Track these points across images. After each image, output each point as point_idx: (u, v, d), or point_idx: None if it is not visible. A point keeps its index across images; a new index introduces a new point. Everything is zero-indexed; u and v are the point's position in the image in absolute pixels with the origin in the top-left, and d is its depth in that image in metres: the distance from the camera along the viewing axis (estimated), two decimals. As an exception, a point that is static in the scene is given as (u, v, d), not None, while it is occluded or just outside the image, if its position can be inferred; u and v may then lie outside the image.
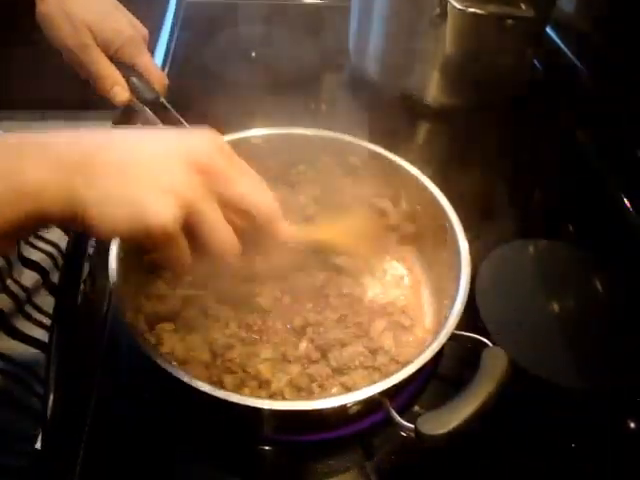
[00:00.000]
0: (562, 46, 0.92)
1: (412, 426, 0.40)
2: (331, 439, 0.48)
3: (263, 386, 0.48)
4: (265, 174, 0.42)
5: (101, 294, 0.57)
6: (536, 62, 0.95)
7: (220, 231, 0.37)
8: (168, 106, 0.57)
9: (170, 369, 0.41)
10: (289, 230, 0.44)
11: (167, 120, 0.56)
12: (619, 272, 0.64)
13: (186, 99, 0.64)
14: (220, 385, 0.47)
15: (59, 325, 0.55)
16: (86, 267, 0.61)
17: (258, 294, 0.54)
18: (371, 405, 0.44)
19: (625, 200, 0.73)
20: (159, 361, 0.42)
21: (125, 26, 0.59)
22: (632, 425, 0.52)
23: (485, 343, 0.47)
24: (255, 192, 0.39)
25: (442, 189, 0.56)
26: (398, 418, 0.42)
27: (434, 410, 0.41)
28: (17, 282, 0.65)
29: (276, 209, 0.41)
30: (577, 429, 0.51)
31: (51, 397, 0.51)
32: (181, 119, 0.60)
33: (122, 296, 0.46)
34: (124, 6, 0.62)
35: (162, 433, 0.49)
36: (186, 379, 0.41)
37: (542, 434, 0.51)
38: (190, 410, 0.49)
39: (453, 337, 0.46)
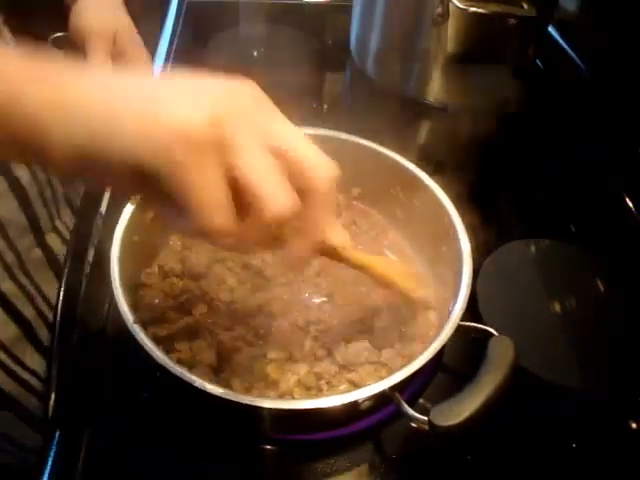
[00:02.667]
0: (564, 45, 0.92)
1: (425, 418, 0.40)
2: (342, 436, 0.48)
3: (271, 387, 0.48)
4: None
5: (103, 295, 0.57)
6: (538, 61, 0.94)
7: (272, 178, 0.27)
8: None
9: (181, 374, 0.41)
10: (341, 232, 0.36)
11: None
12: (620, 272, 0.64)
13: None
14: (228, 388, 0.47)
15: (62, 325, 0.55)
16: (87, 268, 0.61)
17: (268, 301, 0.53)
18: (382, 400, 0.44)
19: (627, 199, 0.73)
20: (169, 366, 0.41)
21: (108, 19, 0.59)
22: (633, 425, 0.52)
23: (491, 333, 0.47)
24: (307, 145, 0.30)
25: (443, 188, 0.56)
26: (411, 411, 0.42)
27: (446, 401, 0.41)
28: (28, 274, 0.64)
29: (335, 175, 0.30)
30: (577, 429, 0.51)
31: (52, 397, 0.51)
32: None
33: (126, 298, 0.46)
34: (126, 7, 0.62)
35: (164, 433, 0.49)
36: (198, 384, 0.40)
37: (542, 434, 0.51)
38: (198, 413, 0.49)
39: (459, 328, 0.46)
